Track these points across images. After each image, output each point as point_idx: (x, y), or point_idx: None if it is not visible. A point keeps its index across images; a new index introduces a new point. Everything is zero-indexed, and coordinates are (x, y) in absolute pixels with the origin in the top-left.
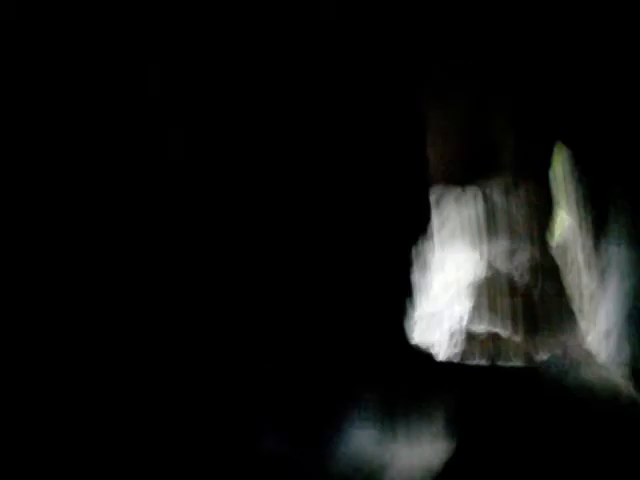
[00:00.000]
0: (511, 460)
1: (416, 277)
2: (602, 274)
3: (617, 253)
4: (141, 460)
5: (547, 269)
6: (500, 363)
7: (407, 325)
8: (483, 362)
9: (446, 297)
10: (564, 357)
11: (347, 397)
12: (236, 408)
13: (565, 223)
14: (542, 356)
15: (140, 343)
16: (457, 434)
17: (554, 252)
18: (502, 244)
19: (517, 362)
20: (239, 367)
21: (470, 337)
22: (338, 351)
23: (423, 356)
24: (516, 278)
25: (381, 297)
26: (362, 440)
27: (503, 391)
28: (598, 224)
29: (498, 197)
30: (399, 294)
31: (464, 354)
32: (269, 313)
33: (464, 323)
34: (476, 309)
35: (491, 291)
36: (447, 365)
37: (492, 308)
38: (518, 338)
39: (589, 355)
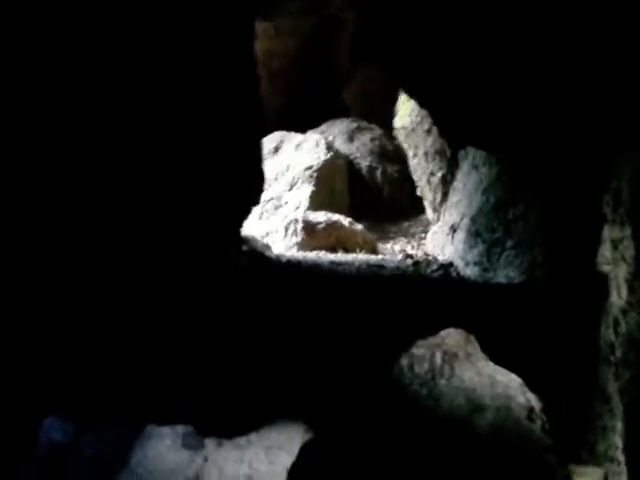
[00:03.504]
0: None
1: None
2: (452, 161)
3: None
4: None
5: (390, 152)
6: (341, 255)
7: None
8: (323, 253)
9: (283, 182)
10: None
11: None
12: (17, 394)
13: (411, 104)
14: (386, 245)
15: None
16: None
17: (398, 133)
18: (343, 124)
19: (360, 253)
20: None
21: (309, 226)
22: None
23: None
24: (357, 160)
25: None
26: (163, 441)
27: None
28: None
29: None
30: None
31: (302, 244)
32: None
33: (302, 210)
34: (314, 195)
35: (330, 175)
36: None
37: (331, 193)
38: (360, 226)
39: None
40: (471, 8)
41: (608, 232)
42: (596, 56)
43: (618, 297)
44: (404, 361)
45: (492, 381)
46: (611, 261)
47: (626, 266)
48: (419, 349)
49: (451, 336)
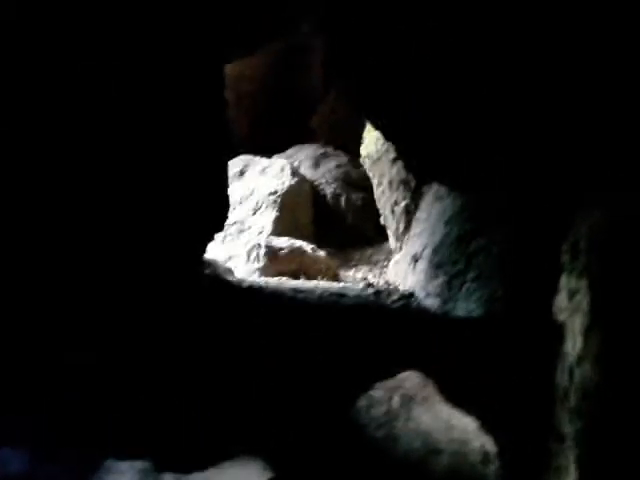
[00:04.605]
0: None
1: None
2: (416, 191)
3: None
4: None
5: (355, 179)
6: (303, 281)
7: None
8: (285, 279)
9: (247, 207)
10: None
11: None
12: None
13: (377, 133)
14: (348, 272)
15: None
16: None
17: (364, 161)
18: (309, 150)
19: (322, 280)
20: None
21: (271, 251)
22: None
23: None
24: (322, 187)
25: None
26: (121, 477)
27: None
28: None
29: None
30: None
31: (265, 269)
32: None
33: (265, 235)
34: (278, 220)
35: (294, 200)
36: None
37: (295, 219)
38: (322, 253)
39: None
40: (438, 46)
41: (565, 281)
42: (562, 106)
43: (573, 346)
44: (362, 402)
45: (448, 425)
46: (567, 310)
47: (581, 317)
48: (377, 391)
49: (409, 379)
